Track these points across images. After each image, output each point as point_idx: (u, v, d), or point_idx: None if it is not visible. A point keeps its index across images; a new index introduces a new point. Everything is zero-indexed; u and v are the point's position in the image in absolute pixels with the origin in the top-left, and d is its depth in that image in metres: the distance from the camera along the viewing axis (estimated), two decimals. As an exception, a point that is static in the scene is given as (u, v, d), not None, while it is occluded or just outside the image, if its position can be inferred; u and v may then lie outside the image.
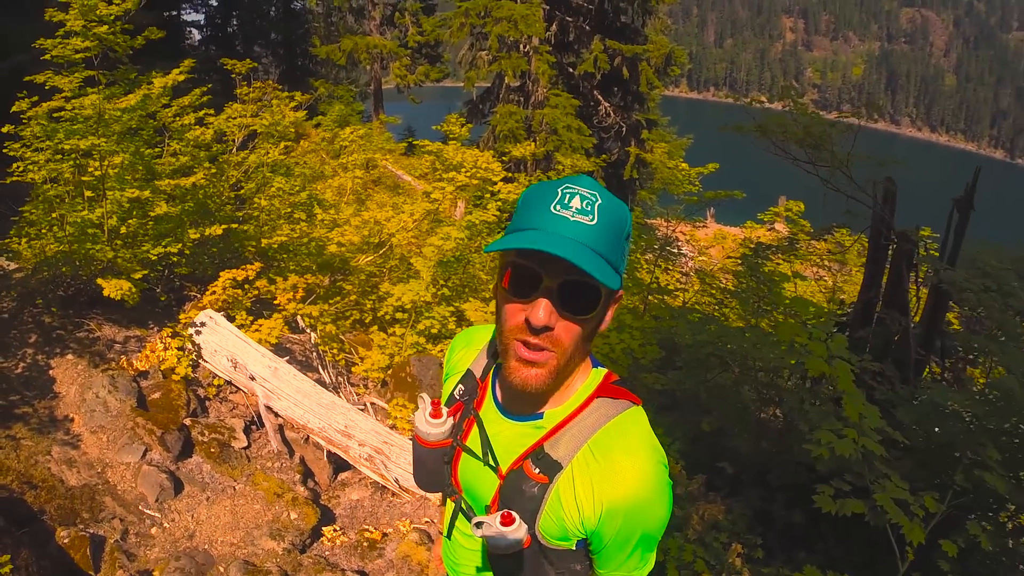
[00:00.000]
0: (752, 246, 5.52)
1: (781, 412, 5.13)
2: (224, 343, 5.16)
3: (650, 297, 7.69)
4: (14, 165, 4.10)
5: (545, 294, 1.06)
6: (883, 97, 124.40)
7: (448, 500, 1.41)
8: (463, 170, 9.97)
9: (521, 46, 14.86)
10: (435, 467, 1.36)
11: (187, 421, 4.70)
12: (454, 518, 1.38)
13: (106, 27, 3.77)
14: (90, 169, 4.34)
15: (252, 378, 5.06)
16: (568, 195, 1.06)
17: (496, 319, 1.17)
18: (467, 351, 1.42)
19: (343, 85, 17.95)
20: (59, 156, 4.04)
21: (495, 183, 10.10)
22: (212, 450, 4.65)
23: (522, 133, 15.38)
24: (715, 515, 4.46)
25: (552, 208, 1.06)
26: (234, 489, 4.42)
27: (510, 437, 1.24)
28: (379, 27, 18.24)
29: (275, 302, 5.47)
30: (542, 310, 1.05)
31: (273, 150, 7.09)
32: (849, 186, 4.23)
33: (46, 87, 3.99)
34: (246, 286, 5.42)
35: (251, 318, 5.37)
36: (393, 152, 15.14)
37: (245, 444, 4.90)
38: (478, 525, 1.19)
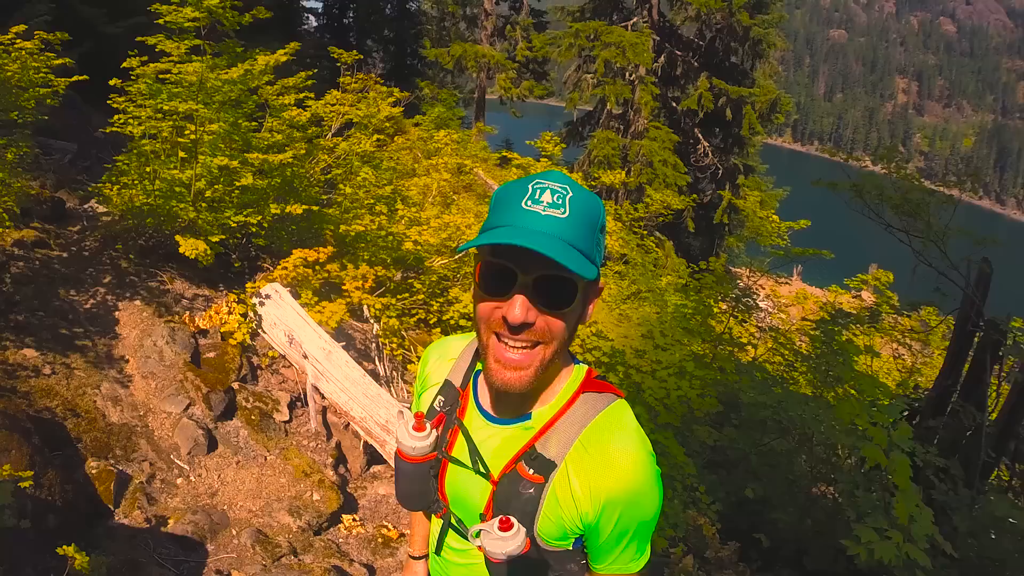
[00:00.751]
0: (832, 311, 5.19)
1: (833, 492, 4.78)
2: (284, 317, 5.29)
3: (719, 347, 7.40)
4: (116, 116, 4.39)
5: (520, 291, 1.05)
6: (991, 173, 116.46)
7: (433, 517, 1.38)
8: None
9: (627, 74, 14.82)
10: (421, 482, 1.34)
11: (235, 385, 4.82)
12: (443, 534, 1.35)
13: (216, 0, 4.01)
14: (187, 132, 4.59)
15: (305, 356, 5.15)
16: (538, 190, 1.06)
17: (474, 319, 1.16)
18: (441, 362, 1.40)
19: (447, 89, 18.45)
20: (159, 115, 4.29)
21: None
22: (253, 417, 4.75)
23: (617, 161, 15.30)
24: (740, 587, 4.18)
25: (523, 204, 1.06)
26: (265, 459, 4.49)
27: (498, 442, 1.22)
28: (490, 37, 18.67)
29: (343, 287, 5.58)
30: (518, 307, 1.05)
31: (365, 140, 7.27)
32: (942, 262, 3.90)
33: (156, 49, 4.27)
34: (316, 267, 5.54)
35: (316, 299, 5.48)
36: (487, 161, 15.37)
37: (286, 418, 4.98)
38: (477, 534, 1.18)
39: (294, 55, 5.50)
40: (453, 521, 1.31)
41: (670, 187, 14.24)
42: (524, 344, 1.08)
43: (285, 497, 4.21)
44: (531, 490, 1.16)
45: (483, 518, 1.22)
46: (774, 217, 12.07)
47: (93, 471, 3.21)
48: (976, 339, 3.86)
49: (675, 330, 6.41)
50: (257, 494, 4.15)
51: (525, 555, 1.17)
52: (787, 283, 9.35)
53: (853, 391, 4.38)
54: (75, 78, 3.90)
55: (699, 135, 15.18)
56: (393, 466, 1.39)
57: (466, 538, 1.27)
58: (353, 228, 6.35)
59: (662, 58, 14.99)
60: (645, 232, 13.02)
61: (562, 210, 1.05)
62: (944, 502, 3.16)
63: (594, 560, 1.23)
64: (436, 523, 1.38)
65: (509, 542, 1.15)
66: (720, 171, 15.09)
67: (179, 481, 3.83)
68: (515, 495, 1.18)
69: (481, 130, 17.47)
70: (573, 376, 1.23)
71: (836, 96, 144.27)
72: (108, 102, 4.33)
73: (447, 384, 1.34)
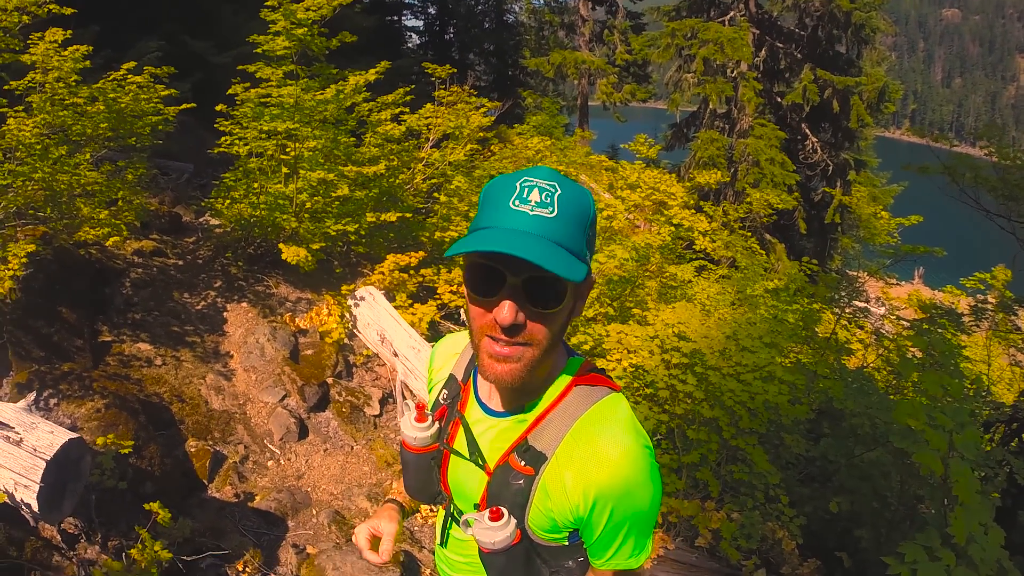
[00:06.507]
0: (930, 311, 4.78)
1: (927, 509, 4.39)
2: (377, 318, 5.61)
3: (824, 353, 7.00)
4: (223, 139, 4.94)
5: (509, 292, 1.06)
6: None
7: (440, 509, 1.45)
8: (638, 190, 9.96)
9: (728, 71, 14.31)
10: (424, 473, 1.38)
11: (329, 380, 5.20)
12: (447, 526, 1.40)
13: (304, 30, 4.43)
14: (288, 149, 5.06)
15: (395, 354, 5.44)
16: (527, 188, 1.06)
17: (467, 318, 1.20)
18: (446, 357, 1.44)
19: (549, 97, 18.65)
20: (263, 135, 4.78)
21: (670, 207, 9.91)
22: (344, 410, 5.12)
23: (722, 162, 14.79)
24: (816, 604, 3.97)
25: (511, 204, 1.05)
26: (352, 448, 4.82)
27: (495, 434, 1.26)
28: (588, 43, 18.67)
29: (437, 291, 5.84)
30: (507, 310, 1.06)
31: (459, 150, 7.59)
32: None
33: (256, 76, 4.77)
34: (410, 271, 5.83)
35: (410, 302, 5.76)
36: (592, 167, 15.34)
37: (376, 412, 5.31)
38: (467, 523, 1.23)
39: (396, 71, 5.85)
40: (454, 512, 1.35)
41: (778, 186, 13.54)
42: (515, 342, 1.09)
43: (366, 484, 4.51)
44: (521, 481, 1.18)
45: (478, 508, 1.25)
46: (883, 214, 11.16)
47: (192, 450, 3.65)
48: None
49: (765, 333, 6.13)
50: (340, 479, 4.48)
51: (516, 547, 1.19)
52: (899, 285, 8.64)
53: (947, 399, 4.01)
54: (184, 106, 4.47)
55: (806, 130, 14.31)
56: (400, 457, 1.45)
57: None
58: (447, 234, 6.65)
59: (763, 52, 14.31)
60: (750, 234, 12.52)
61: (550, 209, 1.04)
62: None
63: (593, 556, 1.23)
64: (441, 515, 1.43)
65: (498, 532, 1.17)
66: (830, 167, 14.13)
67: (269, 463, 4.24)
68: (506, 486, 1.20)
69: (583, 136, 17.51)
70: (567, 369, 1.24)
71: (954, 81, 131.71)
72: (215, 125, 4.89)
73: (451, 378, 1.38)
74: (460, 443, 1.31)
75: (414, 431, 1.35)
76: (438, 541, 1.45)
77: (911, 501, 4.47)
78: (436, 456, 1.36)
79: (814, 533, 4.89)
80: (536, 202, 1.04)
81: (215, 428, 4.04)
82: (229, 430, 4.15)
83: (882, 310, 8.77)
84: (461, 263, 1.16)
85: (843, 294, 7.49)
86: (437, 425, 1.36)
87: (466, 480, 1.30)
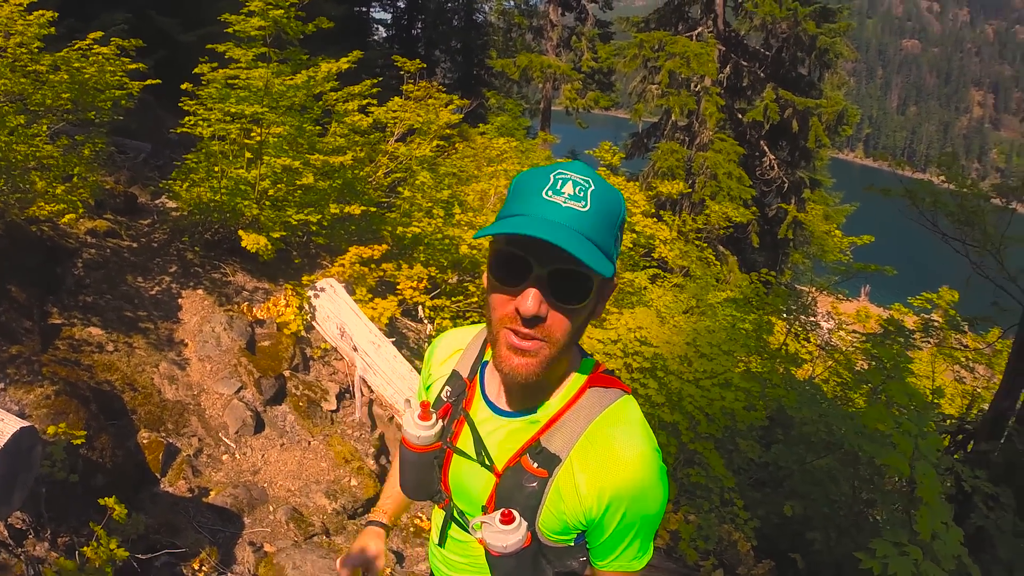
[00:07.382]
0: (886, 326, 4.98)
1: (876, 514, 4.58)
2: (337, 311, 5.50)
3: (776, 363, 7.21)
4: (186, 119, 4.75)
5: (535, 282, 1.03)
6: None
7: (436, 508, 1.41)
8: (601, 197, 9.98)
9: (692, 85, 14.66)
10: (424, 472, 1.35)
11: (286, 373, 5.05)
12: (446, 526, 1.37)
13: (281, 11, 4.30)
14: (253, 134, 4.90)
15: (355, 349, 5.34)
16: (560, 181, 1.04)
17: (486, 308, 1.14)
18: (449, 353, 1.40)
19: (513, 99, 18.72)
20: (228, 118, 4.61)
21: (633, 215, 10.07)
22: (301, 404, 4.98)
23: (681, 173, 15.11)
24: (770, 604, 4.08)
25: (544, 194, 1.03)
26: (308, 443, 4.70)
27: (504, 435, 1.23)
28: (555, 48, 18.80)
29: (398, 287, 5.74)
30: (531, 299, 1.03)
31: (425, 145, 7.50)
32: (999, 274, 3.70)
33: (225, 56, 4.60)
34: (371, 265, 5.73)
35: (370, 296, 5.66)
36: (553, 171, 15.40)
37: (334, 408, 5.18)
38: (478, 526, 1.20)
39: (362, 64, 5.75)
40: (455, 513, 1.32)
41: (735, 200, 13.92)
42: (534, 336, 1.07)
43: (324, 480, 4.39)
44: (534, 484, 1.16)
45: (485, 510, 1.22)
46: (836, 232, 11.65)
47: (144, 441, 3.48)
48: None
49: (723, 341, 6.27)
50: (297, 475, 4.35)
51: (526, 549, 1.17)
52: (849, 301, 9.00)
53: (896, 411, 4.18)
54: (149, 81, 4.28)
55: (765, 147, 14.79)
56: (399, 455, 1.34)
57: (468, 530, 1.28)
58: (410, 230, 6.55)
59: (727, 68, 14.74)
60: (705, 245, 12.82)
61: (583, 203, 1.02)
62: (986, 528, 2.99)
63: (596, 557, 1.22)
64: (439, 515, 1.39)
65: (510, 535, 1.15)
66: (786, 184, 14.64)
67: (224, 457, 4.08)
68: (518, 488, 1.18)
69: (545, 139, 17.62)
70: (580, 370, 1.22)
71: (909, 109, 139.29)
72: (179, 105, 4.69)
73: (454, 375, 1.34)
74: (465, 442, 1.27)
75: (417, 430, 1.30)
76: (435, 540, 1.41)
77: (861, 507, 4.64)
78: (438, 455, 1.32)
79: (767, 536, 5.03)
80: (569, 194, 1.02)
81: (168, 419, 3.86)
82: (183, 422, 3.98)
83: (830, 324, 9.11)
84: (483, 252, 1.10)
85: (793, 307, 7.76)
86: (441, 424, 1.31)
87: (470, 480, 1.27)
